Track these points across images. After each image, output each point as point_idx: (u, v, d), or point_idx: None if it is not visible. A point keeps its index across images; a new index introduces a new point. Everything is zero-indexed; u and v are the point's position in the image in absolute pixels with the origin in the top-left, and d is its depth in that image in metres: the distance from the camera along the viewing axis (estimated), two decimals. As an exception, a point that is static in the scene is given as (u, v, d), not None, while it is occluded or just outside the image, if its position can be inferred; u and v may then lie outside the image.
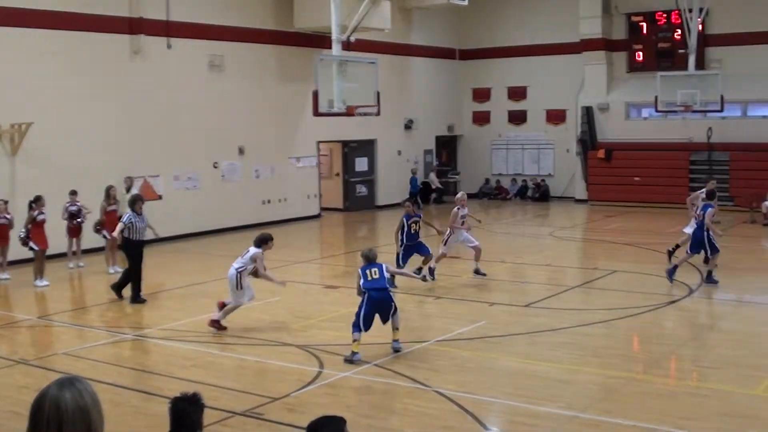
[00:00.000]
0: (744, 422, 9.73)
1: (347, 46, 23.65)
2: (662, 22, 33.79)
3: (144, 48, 24.53)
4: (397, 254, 17.71)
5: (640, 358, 12.99)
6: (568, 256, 23.42)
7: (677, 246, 19.60)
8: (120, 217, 18.01)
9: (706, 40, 32.45)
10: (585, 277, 19.59)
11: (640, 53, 34.42)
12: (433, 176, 35.85)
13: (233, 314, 14.36)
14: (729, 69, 31.40)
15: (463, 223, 18.66)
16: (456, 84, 38.05)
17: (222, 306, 14.39)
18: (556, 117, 36.48)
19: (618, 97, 34.71)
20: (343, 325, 14.53)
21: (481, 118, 38.26)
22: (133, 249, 16.91)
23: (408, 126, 35.16)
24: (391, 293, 12.93)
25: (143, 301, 16.68)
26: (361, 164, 33.49)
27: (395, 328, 12.69)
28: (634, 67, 34.68)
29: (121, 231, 16.75)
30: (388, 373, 11.65)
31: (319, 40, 28.24)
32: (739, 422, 9.73)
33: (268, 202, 28.70)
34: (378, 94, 23.16)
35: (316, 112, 22.13)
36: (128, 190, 21.58)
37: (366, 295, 12.38)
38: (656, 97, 30.51)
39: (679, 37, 32.69)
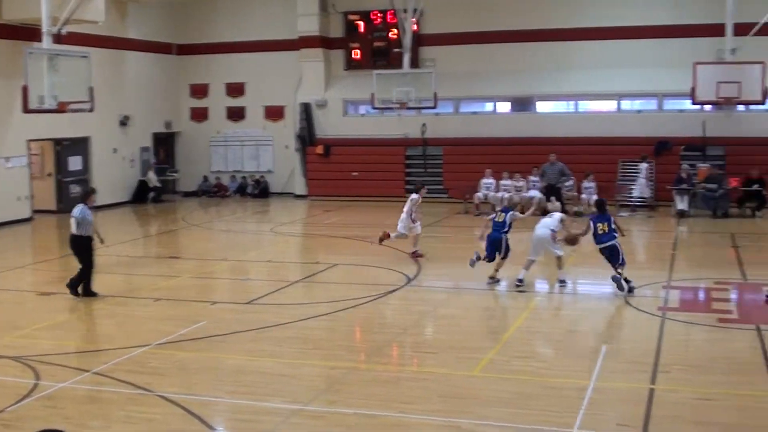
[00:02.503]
0: (463, 402, 10.11)
1: (59, 39, 22.61)
2: (378, 22, 34.63)
3: None
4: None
5: (363, 347, 13.21)
6: (289, 251, 23.52)
7: None
8: None
9: (420, 39, 33.59)
10: (306, 271, 19.73)
11: (357, 51, 35.10)
12: (151, 174, 34.92)
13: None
14: (442, 68, 32.69)
15: None
16: (173, 79, 37.26)
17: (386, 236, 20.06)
18: (274, 113, 36.56)
19: (336, 94, 35.25)
20: (61, 332, 13.89)
21: (200, 115, 37.72)
22: (83, 246, 16.07)
23: (123, 123, 34.05)
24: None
25: (95, 295, 16.19)
26: (74, 163, 32.04)
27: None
28: (351, 64, 35.32)
29: (77, 225, 15.93)
30: (109, 380, 11.16)
31: (29, 33, 26.65)
32: (459, 402, 10.10)
33: (-25, 205, 26.89)
34: (91, 89, 22.34)
35: (26, 109, 21.09)
36: None
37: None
38: (372, 95, 31.25)
39: (394, 36, 33.63)
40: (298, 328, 13.89)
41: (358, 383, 10.96)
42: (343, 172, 33.90)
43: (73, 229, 16.10)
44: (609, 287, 15.92)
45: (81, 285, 16.21)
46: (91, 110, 22.82)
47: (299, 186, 35.52)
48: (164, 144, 37.55)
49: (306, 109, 35.04)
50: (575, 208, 27.92)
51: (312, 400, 10.30)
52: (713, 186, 27.73)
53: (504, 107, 34.14)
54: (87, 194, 16.56)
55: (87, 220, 16.01)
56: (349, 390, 10.68)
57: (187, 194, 36.78)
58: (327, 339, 13.48)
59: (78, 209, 16.06)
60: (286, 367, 11.71)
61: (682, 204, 27.61)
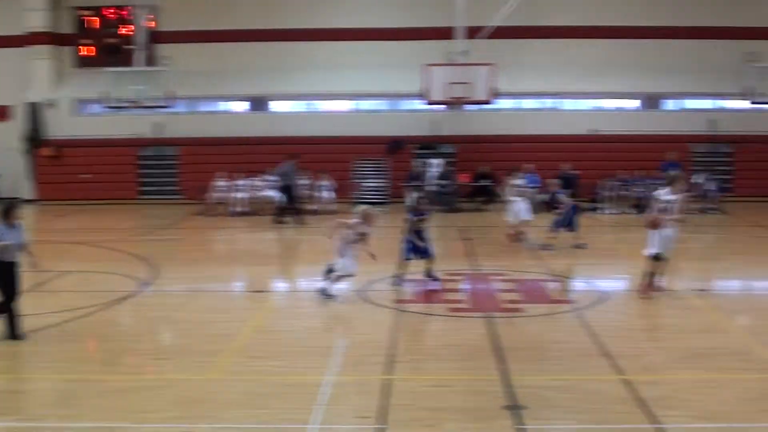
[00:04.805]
0: (201, 406, 9.98)
1: None
2: (111, 18, 33.56)
3: None
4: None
5: (96, 357, 12.69)
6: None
7: None
8: None
9: (156, 36, 32.90)
10: (34, 280, 18.66)
11: (89, 48, 33.87)
12: None
13: None
14: (179, 66, 32.09)
15: None
16: None
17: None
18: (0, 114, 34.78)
19: (66, 93, 33.91)
20: None
21: None
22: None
23: None
24: None
25: (22, 338, 12.98)
26: None
27: None
28: (82, 62, 34.05)
29: None
30: None
31: None
32: (197, 407, 9.95)
33: None
34: None
35: None
36: None
37: None
38: (105, 93, 30.30)
39: (128, 33, 32.69)
40: (27, 341, 13.18)
41: (92, 395, 10.51)
42: (74, 175, 32.72)
43: None
44: (344, 283, 16.11)
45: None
46: None
47: (28, 190, 33.88)
48: None
49: (34, 109, 33.49)
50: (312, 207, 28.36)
51: (45, 416, 9.80)
52: (445, 182, 28.82)
53: (241, 106, 34.05)
54: (9, 210, 13.06)
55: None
56: (84, 403, 10.23)
57: None
58: (58, 351, 12.81)
59: None
60: (16, 382, 11.11)
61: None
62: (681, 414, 9.65)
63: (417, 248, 16.63)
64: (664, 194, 15.45)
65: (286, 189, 26.50)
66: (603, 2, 32.55)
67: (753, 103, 29.89)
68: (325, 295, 15.41)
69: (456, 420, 9.52)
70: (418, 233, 16.68)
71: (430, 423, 9.41)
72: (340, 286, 15.70)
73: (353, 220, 15.57)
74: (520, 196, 21.58)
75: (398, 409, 9.74)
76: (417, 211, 17.00)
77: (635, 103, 34.17)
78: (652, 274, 15.46)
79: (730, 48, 31.60)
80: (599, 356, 11.90)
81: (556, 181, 23.19)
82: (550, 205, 22.72)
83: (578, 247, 21.05)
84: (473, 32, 28.82)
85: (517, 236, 21.53)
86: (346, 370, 11.31)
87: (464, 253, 20.38)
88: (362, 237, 15.50)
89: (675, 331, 13.74)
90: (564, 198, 21.64)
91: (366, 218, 15.58)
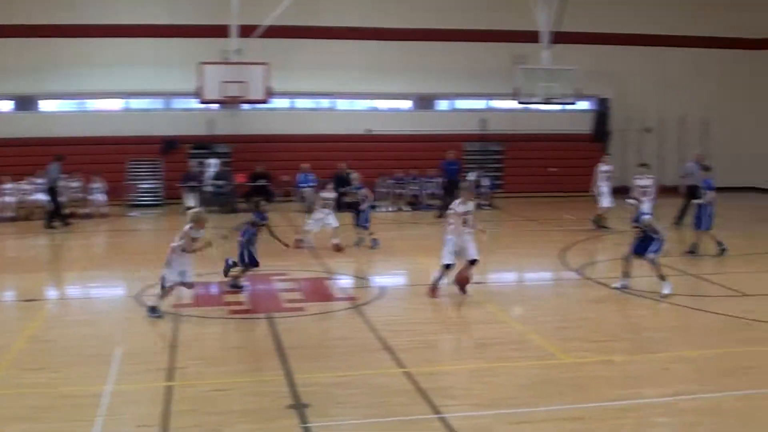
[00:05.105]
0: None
1: None
2: None
3: None
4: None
5: None
6: None
7: None
8: None
9: None
10: None
11: None
12: None
13: None
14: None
15: None
16: None
17: None
18: None
19: None
20: None
21: None
22: None
23: None
24: None
25: None
26: None
27: None
28: None
29: None
30: None
31: None
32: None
33: None
34: None
35: None
36: None
37: None
38: None
39: None
40: None
41: None
42: None
43: None
44: (120, 289, 15.62)
45: None
46: None
47: None
48: None
49: None
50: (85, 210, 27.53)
51: None
52: (221, 182, 28.58)
53: (6, 105, 32.54)
54: None
55: None
56: None
57: None
58: None
59: None
60: None
61: (191, 200, 28.15)
62: (462, 403, 9.97)
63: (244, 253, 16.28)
64: (456, 206, 15.82)
65: (51, 192, 25.47)
66: (373, 4, 33.17)
67: (520, 102, 31.19)
68: (155, 314, 14.15)
69: (240, 422, 9.44)
70: (252, 238, 16.35)
71: (214, 428, 9.28)
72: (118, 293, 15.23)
73: (186, 227, 14.27)
74: (326, 207, 21.57)
75: (181, 416, 9.56)
76: (261, 214, 16.74)
77: (408, 104, 35.07)
78: (440, 279, 15.78)
79: (499, 50, 32.95)
80: (381, 351, 12.12)
81: (357, 175, 23.44)
82: (338, 202, 23.01)
83: (357, 244, 21.41)
84: (248, 31, 28.69)
85: (300, 243, 21.50)
86: (125, 378, 10.98)
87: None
88: (195, 241, 14.37)
89: (454, 324, 14.24)
90: (365, 191, 21.98)
91: (197, 221, 14.33)
